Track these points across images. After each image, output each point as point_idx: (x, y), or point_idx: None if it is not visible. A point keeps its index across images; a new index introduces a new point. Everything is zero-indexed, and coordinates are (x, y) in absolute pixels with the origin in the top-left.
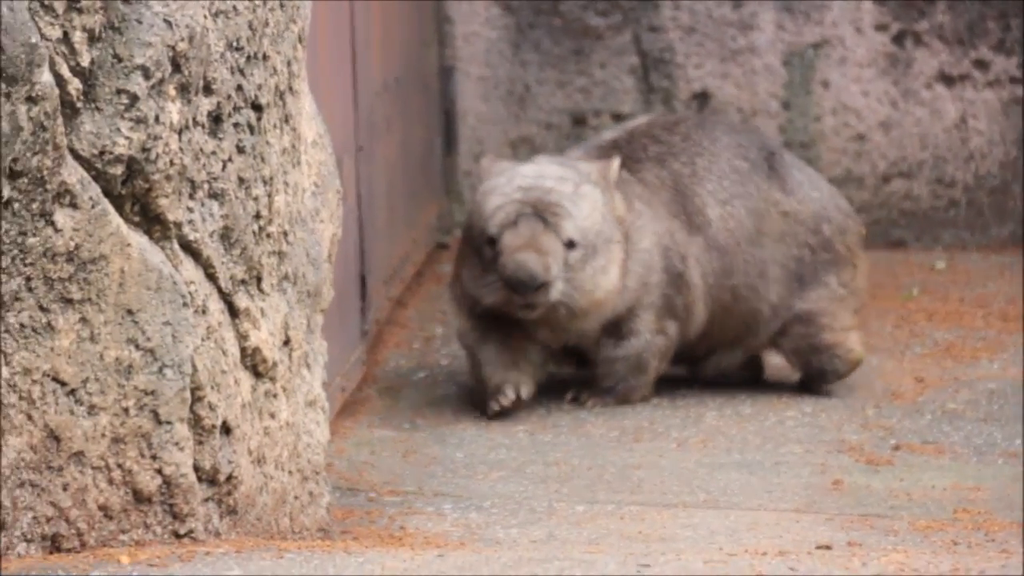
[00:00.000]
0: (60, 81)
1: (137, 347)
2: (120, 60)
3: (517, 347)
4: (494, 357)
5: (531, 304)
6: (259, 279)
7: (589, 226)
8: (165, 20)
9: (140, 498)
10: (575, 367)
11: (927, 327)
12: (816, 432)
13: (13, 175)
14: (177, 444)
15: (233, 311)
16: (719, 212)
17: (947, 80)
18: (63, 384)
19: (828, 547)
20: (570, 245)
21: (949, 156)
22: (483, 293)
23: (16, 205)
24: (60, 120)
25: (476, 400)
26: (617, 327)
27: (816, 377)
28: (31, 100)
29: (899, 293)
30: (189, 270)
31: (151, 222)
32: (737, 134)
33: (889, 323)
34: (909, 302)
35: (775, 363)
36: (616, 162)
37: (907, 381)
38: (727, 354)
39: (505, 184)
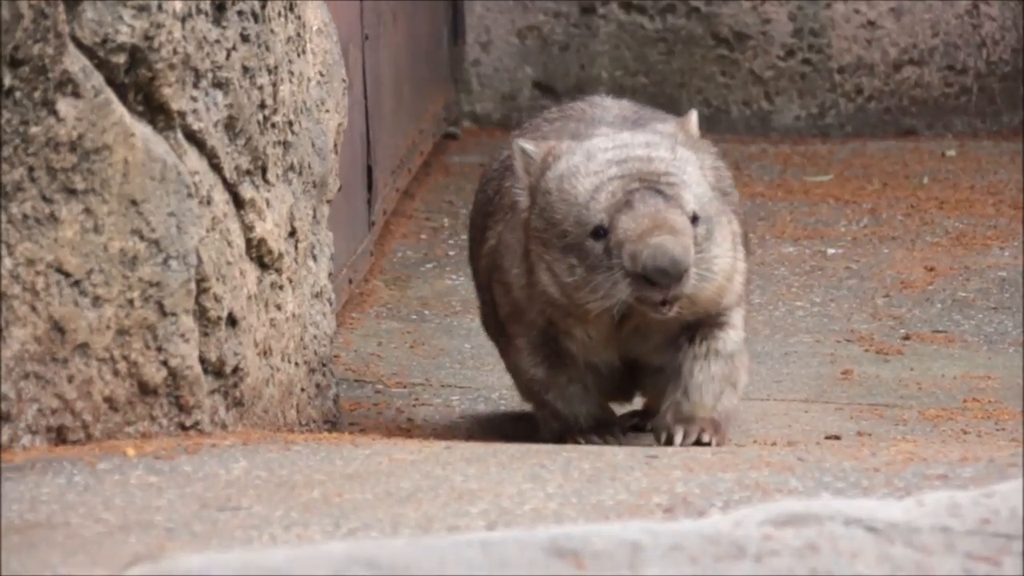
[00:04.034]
0: None
1: (142, 238)
2: None
3: (591, 387)
4: (589, 410)
5: (670, 299)
6: (264, 169)
7: (703, 193)
8: None
9: (146, 390)
10: None
11: (937, 215)
12: (825, 322)
13: (14, 63)
14: (183, 336)
15: (238, 202)
16: None
17: None
18: (67, 275)
19: (837, 437)
20: (694, 220)
21: (960, 42)
22: (601, 297)
23: (18, 94)
24: (61, 7)
25: (558, 434)
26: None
27: None
28: None
29: (909, 182)
30: (193, 160)
31: (155, 112)
32: None
33: (899, 212)
34: (919, 190)
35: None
36: (694, 115)
37: (917, 270)
38: None
39: (587, 161)
